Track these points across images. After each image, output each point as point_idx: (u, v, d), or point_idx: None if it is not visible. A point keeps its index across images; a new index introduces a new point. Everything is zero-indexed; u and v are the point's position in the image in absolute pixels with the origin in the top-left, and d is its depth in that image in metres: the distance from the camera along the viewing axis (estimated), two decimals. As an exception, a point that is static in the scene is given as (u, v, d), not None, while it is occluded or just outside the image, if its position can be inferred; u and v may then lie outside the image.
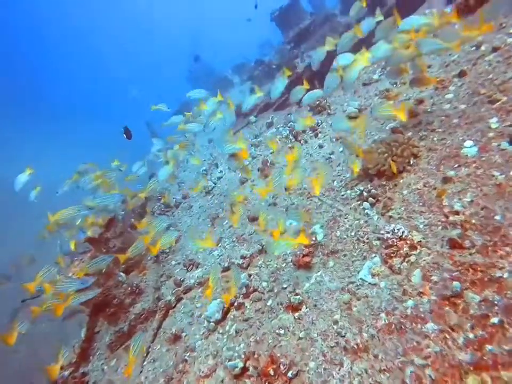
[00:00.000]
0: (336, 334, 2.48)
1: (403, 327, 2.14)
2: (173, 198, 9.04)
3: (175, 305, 4.45)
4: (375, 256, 2.83)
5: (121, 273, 5.02)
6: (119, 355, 4.43)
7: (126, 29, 56.98)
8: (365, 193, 3.41)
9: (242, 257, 4.16)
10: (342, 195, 3.84)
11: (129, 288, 4.80)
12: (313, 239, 3.45)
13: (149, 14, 54.67)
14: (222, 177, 7.70)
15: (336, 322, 2.57)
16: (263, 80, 14.14)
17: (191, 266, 5.02)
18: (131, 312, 4.68)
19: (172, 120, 5.28)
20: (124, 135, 7.26)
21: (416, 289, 2.30)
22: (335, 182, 4.13)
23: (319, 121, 6.01)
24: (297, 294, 3.01)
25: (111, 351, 4.59)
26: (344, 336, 2.41)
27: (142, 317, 4.60)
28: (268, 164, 5.88)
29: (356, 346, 2.25)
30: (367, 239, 3.03)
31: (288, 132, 6.08)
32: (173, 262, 5.56)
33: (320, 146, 5.23)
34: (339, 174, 4.21)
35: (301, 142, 5.84)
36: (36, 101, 43.88)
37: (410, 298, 2.28)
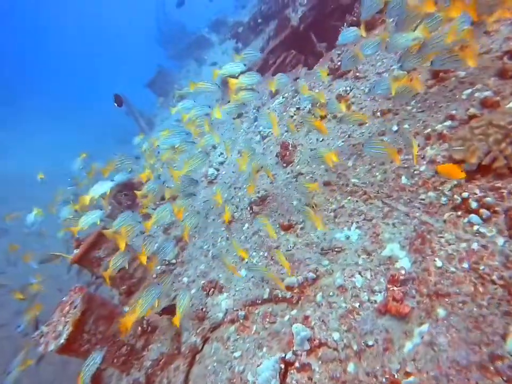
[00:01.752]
0: None
1: None
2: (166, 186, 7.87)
3: (202, 348, 3.51)
4: (529, 312, 1.87)
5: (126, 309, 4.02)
6: (140, 415, 3.53)
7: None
8: (472, 202, 2.38)
9: (288, 286, 3.17)
10: (422, 199, 2.81)
11: (140, 328, 3.81)
12: (401, 271, 2.45)
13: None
14: (224, 161, 6.54)
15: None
16: (249, 38, 12.46)
17: (212, 289, 4.02)
18: (146, 357, 3.72)
19: (182, 106, 4.04)
20: (115, 104, 7.23)
21: None
22: (403, 177, 3.08)
23: (347, 88, 4.81)
24: (409, 374, 2.05)
25: (127, 406, 3.68)
26: None
27: (161, 363, 3.66)
28: (290, 148, 4.74)
29: None
30: (501, 278, 2.05)
31: (311, 106, 4.87)
32: (185, 279, 4.55)
33: (360, 124, 4.10)
34: (406, 164, 3.14)
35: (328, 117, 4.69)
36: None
37: None
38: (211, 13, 20.29)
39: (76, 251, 4.63)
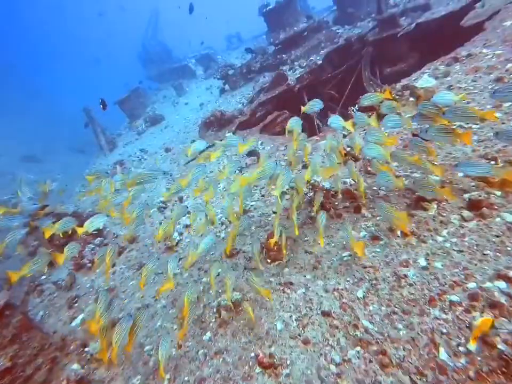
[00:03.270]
0: None
1: None
2: (114, 236, 6.58)
3: None
4: None
5: None
6: None
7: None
8: None
9: None
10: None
11: None
12: None
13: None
14: (191, 225, 5.49)
15: None
16: (237, 82, 11.95)
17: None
18: None
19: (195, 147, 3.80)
20: (101, 106, 8.43)
21: None
22: (442, 350, 2.28)
23: (353, 181, 4.14)
24: None
25: None
26: None
27: None
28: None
29: None
30: None
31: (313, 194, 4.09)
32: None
33: (374, 239, 3.36)
34: (444, 328, 2.37)
35: (330, 212, 3.93)
36: None
37: None
38: (202, 47, 19.99)
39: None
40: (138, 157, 10.55)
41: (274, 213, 4.51)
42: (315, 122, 8.87)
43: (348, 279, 3.12)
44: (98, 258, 3.39)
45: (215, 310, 3.55)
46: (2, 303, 3.41)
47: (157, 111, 15.57)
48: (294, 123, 3.54)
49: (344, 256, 3.36)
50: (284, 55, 10.47)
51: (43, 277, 6.36)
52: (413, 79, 5.64)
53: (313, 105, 3.58)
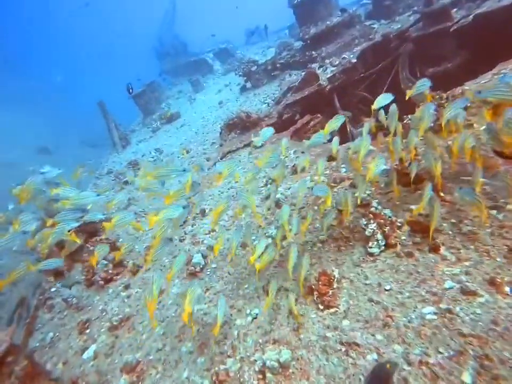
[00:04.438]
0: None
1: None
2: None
3: None
4: None
5: None
6: None
7: None
8: None
9: None
10: None
11: None
12: None
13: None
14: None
15: None
16: (261, 80, 11.14)
17: None
18: None
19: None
20: (130, 90, 9.40)
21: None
22: None
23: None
24: None
25: None
26: None
27: None
28: (334, 283, 3.11)
29: None
30: None
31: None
32: None
33: (469, 293, 2.59)
34: None
35: (397, 249, 3.17)
36: None
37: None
38: (218, 42, 19.26)
39: None
40: (153, 157, 9.88)
41: (322, 242, 3.76)
42: (348, 129, 8.06)
43: (440, 349, 2.35)
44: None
45: (257, 369, 2.83)
46: (4, 348, 2.76)
47: (172, 106, 14.88)
48: (383, 99, 3.06)
49: (427, 314, 2.60)
50: (313, 52, 9.64)
51: (53, 289, 5.75)
52: (482, 82, 4.81)
53: (421, 86, 3.07)
